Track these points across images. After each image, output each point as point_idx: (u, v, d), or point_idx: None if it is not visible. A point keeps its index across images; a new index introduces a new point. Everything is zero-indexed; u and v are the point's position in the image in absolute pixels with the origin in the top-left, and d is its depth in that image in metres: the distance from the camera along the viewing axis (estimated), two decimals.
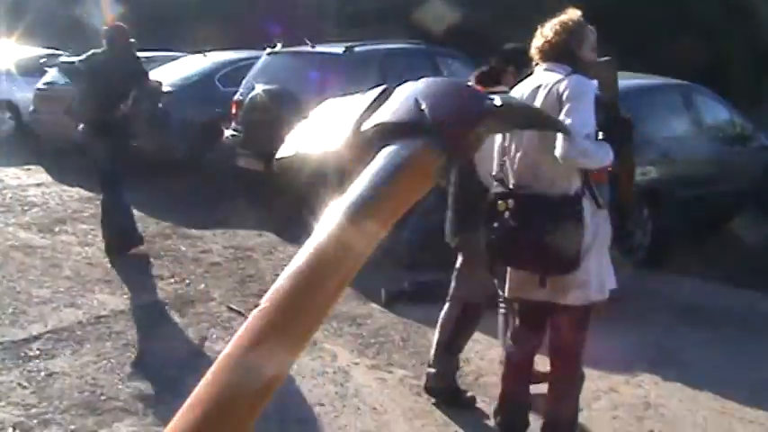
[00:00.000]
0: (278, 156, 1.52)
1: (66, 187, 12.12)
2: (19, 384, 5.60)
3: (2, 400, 5.36)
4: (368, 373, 5.95)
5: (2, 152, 14.74)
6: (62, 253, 8.85)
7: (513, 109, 1.44)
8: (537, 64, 4.50)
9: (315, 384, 5.70)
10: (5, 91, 17.26)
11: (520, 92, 4.40)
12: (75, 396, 5.44)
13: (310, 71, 11.27)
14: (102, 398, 5.45)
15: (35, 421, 5.08)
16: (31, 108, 15.72)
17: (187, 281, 7.97)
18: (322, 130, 1.43)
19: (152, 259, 8.67)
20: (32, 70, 17.37)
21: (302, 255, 1.16)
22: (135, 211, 9.60)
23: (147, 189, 10.75)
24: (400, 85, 1.37)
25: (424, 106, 1.26)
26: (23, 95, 16.62)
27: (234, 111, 11.58)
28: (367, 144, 1.30)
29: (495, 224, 4.32)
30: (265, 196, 10.66)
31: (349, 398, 5.52)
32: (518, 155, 4.34)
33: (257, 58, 12.18)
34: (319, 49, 11.66)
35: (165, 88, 11.13)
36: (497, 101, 1.33)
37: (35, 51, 19.15)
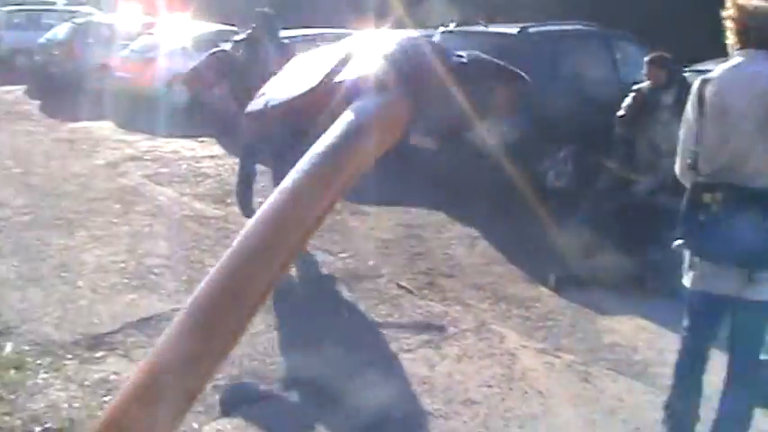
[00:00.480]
0: (248, 109, 1.56)
1: (238, 160, 12.47)
2: None
3: None
4: (535, 356, 5.97)
5: (177, 124, 15.32)
6: (234, 224, 9.17)
7: (479, 65, 1.44)
8: (738, 49, 4.28)
9: (482, 366, 5.76)
10: (181, 65, 17.87)
11: (718, 80, 4.23)
12: (244, 365, 5.65)
13: (484, 51, 11.29)
14: (272, 366, 5.66)
15: (209, 388, 5.31)
16: None
17: (357, 256, 8.13)
18: (292, 84, 1.45)
19: (323, 233, 8.88)
20: (208, 45, 17.96)
21: (269, 201, 1.17)
22: None
23: None
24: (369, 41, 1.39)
25: (391, 61, 1.28)
26: None
27: None
28: (336, 97, 1.32)
29: (701, 217, 4.19)
30: (437, 174, 10.77)
31: (515, 380, 5.55)
32: (719, 144, 4.19)
33: (431, 36, 12.25)
34: (493, 28, 11.63)
35: None
36: (464, 57, 1.34)
37: (210, 27, 19.82)
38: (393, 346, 6.03)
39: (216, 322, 1.11)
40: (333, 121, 1.28)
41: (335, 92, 1.31)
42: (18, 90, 22.43)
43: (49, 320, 6.36)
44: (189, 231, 8.90)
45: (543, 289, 7.30)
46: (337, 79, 1.33)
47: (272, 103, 1.48)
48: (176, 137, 14.33)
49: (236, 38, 9.81)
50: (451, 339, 6.19)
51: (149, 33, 19.77)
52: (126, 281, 7.26)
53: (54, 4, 32.20)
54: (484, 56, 1.51)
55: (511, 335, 6.31)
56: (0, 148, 13.70)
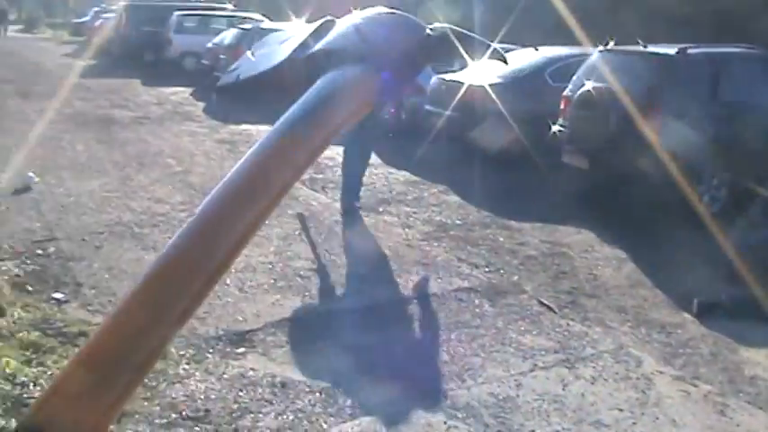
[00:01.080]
0: (219, 84, 1.64)
1: (392, 170, 12.77)
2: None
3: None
4: (672, 383, 5.93)
5: None
6: (383, 233, 9.40)
7: (449, 37, 1.49)
8: None
9: (616, 388, 5.76)
10: None
11: None
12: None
13: (641, 71, 11.22)
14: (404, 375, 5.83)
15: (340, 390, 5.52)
16: None
17: (501, 271, 8.23)
18: (263, 57, 1.54)
19: (469, 247, 9.00)
20: None
21: (242, 162, 1.23)
22: (458, 199, 10.16)
23: (473, 178, 11.11)
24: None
25: (363, 34, 1.34)
26: None
27: (563, 106, 11.73)
28: (307, 67, 1.39)
29: None
30: (588, 193, 10.77)
31: (649, 406, 5.54)
32: None
33: (588, 54, 12.23)
34: (651, 49, 11.54)
35: None
36: (434, 30, 1.39)
37: None
38: (528, 363, 6.10)
39: (167, 295, 1.19)
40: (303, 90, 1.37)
41: (309, 62, 1.42)
42: (185, 92, 23.39)
43: (196, 314, 6.68)
44: (338, 237, 9.18)
45: (686, 315, 7.23)
46: (312, 51, 1.43)
47: (242, 75, 1.60)
48: (334, 144, 14.61)
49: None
50: (588, 360, 6.21)
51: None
52: (272, 281, 7.55)
53: (224, 9, 33.32)
54: (457, 29, 1.56)
55: (648, 360, 6.28)
56: (163, 147, 14.37)
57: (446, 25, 1.56)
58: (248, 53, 1.60)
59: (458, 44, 1.63)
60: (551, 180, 11.65)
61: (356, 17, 1.46)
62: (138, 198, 10.49)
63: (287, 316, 6.76)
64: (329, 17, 1.56)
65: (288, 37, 1.58)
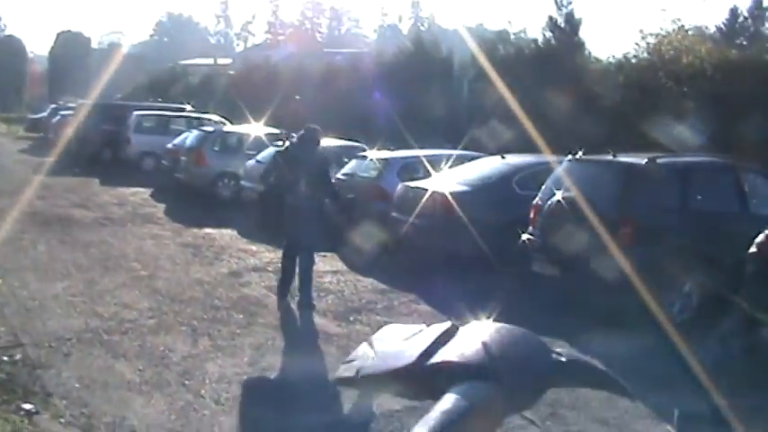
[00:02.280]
0: (338, 375, 1.64)
1: (360, 277, 12.72)
2: None
3: None
4: None
5: None
6: (356, 342, 9.22)
7: (579, 367, 1.47)
8: None
9: None
10: None
11: None
12: None
13: (611, 180, 11.37)
14: None
15: None
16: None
17: None
18: (385, 356, 1.52)
19: None
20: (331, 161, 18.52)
21: None
22: (429, 308, 10.15)
23: (442, 287, 11.08)
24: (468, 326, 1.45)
25: (491, 352, 1.33)
26: None
27: (532, 215, 11.80)
28: (431, 378, 1.38)
29: None
30: (559, 302, 10.78)
31: None
32: None
33: (556, 162, 12.37)
34: (621, 158, 11.70)
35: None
36: (564, 357, 1.38)
37: (336, 142, 20.38)
38: None
39: None
40: (423, 397, 1.37)
41: (432, 372, 1.39)
42: (144, 192, 23.32)
43: (173, 428, 6.57)
44: (311, 347, 9.08)
45: (668, 427, 7.19)
46: (435, 360, 1.41)
47: (363, 372, 1.57)
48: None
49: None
50: None
51: (276, 145, 20.39)
52: (248, 394, 7.43)
53: (183, 110, 33.45)
54: (583, 357, 1.54)
55: None
56: (127, 250, 14.26)
57: (572, 352, 1.53)
58: (366, 344, 1.57)
59: (595, 374, 1.59)
60: (520, 288, 11.66)
61: (484, 330, 1.44)
62: (104, 303, 10.36)
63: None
64: (451, 324, 1.54)
65: (409, 333, 1.56)
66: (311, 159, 10.86)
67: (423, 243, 13.54)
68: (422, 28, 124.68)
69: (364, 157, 17.18)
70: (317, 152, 11.20)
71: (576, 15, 25.91)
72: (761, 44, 25.90)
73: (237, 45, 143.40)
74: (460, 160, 15.52)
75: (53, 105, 48.11)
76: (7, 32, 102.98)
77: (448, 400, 1.33)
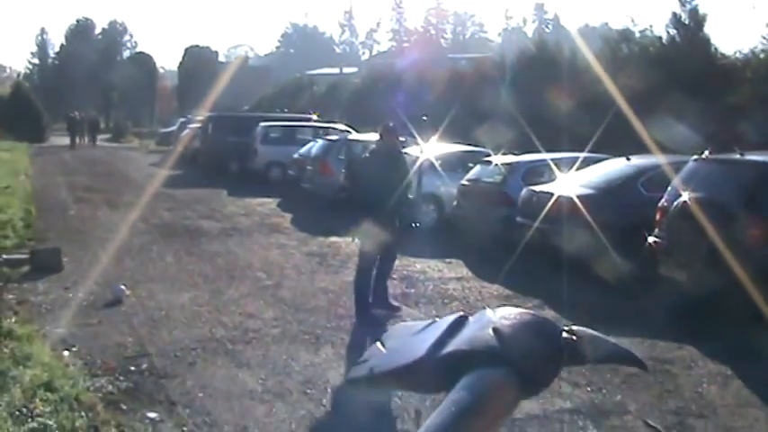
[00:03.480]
0: (350, 376, 1.59)
1: (485, 283, 12.66)
2: None
3: None
4: None
5: (425, 244, 15.71)
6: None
7: (591, 343, 1.41)
8: None
9: None
10: (430, 184, 18.47)
11: None
12: None
13: (739, 179, 11.05)
14: None
15: None
16: (455, 203, 16.73)
17: (603, 390, 8.02)
18: (396, 352, 1.47)
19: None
20: (456, 166, 18.56)
21: None
22: (554, 314, 10.13)
23: (567, 292, 10.95)
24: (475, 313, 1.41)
25: (502, 337, 1.28)
26: (447, 190, 17.75)
27: (658, 217, 11.57)
28: (443, 369, 1.33)
29: None
30: (687, 306, 10.53)
31: None
32: None
33: (683, 162, 12.08)
34: (749, 156, 11.37)
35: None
36: (574, 335, 1.32)
37: (459, 147, 20.44)
38: None
39: None
40: (436, 389, 1.35)
41: (444, 362, 1.38)
42: (271, 202, 23.69)
43: None
44: None
45: None
46: (446, 350, 1.39)
47: (375, 370, 1.56)
48: (424, 257, 14.67)
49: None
50: None
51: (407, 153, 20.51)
52: (368, 402, 7.44)
53: (309, 120, 33.88)
54: (594, 333, 1.52)
55: None
56: (253, 260, 14.49)
57: (584, 329, 1.51)
58: (378, 344, 1.57)
59: (611, 351, 1.58)
60: (648, 293, 11.43)
61: (493, 315, 1.43)
62: (229, 312, 10.55)
63: None
64: (462, 313, 1.54)
65: (419, 328, 1.56)
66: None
67: (549, 247, 13.41)
68: (546, 30, 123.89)
69: (489, 162, 17.12)
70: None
71: (701, 11, 25.33)
72: None
73: (363, 54, 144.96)
74: (586, 163, 15.33)
75: (182, 119, 49.32)
76: (138, 49, 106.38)
77: (460, 389, 1.32)
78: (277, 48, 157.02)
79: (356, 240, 11.16)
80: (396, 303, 11.03)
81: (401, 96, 29.18)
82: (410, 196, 11.25)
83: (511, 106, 26.16)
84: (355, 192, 10.88)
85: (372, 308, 10.63)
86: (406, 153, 10.71)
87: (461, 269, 13.94)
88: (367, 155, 11.11)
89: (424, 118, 17.52)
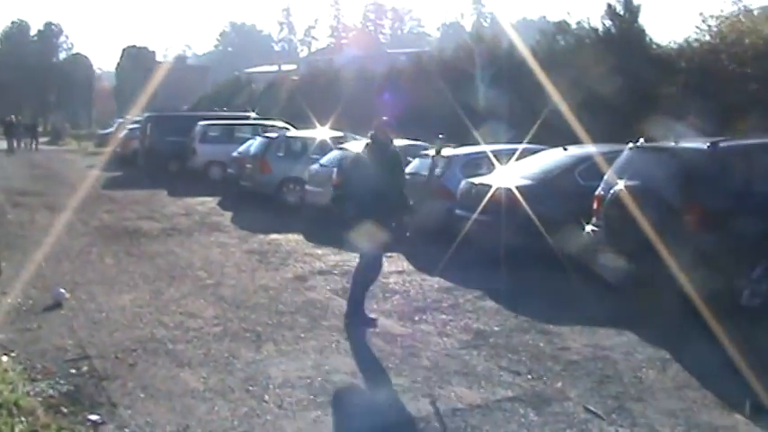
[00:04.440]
0: None
1: (426, 276, 12.70)
2: None
3: None
4: None
5: None
6: (420, 342, 9.28)
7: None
8: None
9: None
10: None
11: None
12: None
13: (675, 167, 11.17)
14: None
15: None
16: None
17: (544, 378, 8.07)
18: None
19: (509, 354, 8.87)
20: None
21: None
22: (495, 305, 10.14)
23: (507, 283, 11.03)
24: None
25: None
26: None
27: (595, 206, 11.67)
28: None
29: None
30: (626, 294, 10.65)
31: None
32: None
33: (619, 152, 12.20)
34: (683, 144, 11.51)
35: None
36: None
37: (398, 143, 20.41)
38: None
39: None
40: None
41: None
42: (211, 201, 23.58)
43: None
44: (376, 348, 9.08)
45: (738, 416, 7.04)
46: None
47: None
48: None
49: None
50: None
51: (340, 147, 20.48)
52: (312, 397, 7.44)
53: (248, 118, 33.76)
54: None
55: None
56: (193, 260, 14.40)
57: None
58: None
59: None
60: (586, 281, 11.54)
61: None
62: (169, 312, 10.47)
63: None
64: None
65: None
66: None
67: (488, 239, 13.45)
68: (484, 24, 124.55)
69: (427, 155, 17.14)
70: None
71: (635, 1, 25.59)
72: None
73: (301, 51, 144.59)
74: (524, 154, 15.41)
75: (119, 120, 48.89)
76: (74, 51, 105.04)
77: None
78: (215, 46, 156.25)
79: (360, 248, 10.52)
80: (373, 316, 10.37)
81: (388, 95, 28.95)
82: (410, 202, 10.72)
83: (449, 100, 26.28)
84: (349, 191, 10.32)
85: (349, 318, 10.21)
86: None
87: (402, 263, 13.95)
88: (360, 152, 10.58)
89: (441, 136, 17.29)
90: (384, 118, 10.51)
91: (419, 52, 46.23)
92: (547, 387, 7.86)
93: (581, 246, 11.78)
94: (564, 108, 19.49)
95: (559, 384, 7.92)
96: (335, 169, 11.35)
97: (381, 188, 9.90)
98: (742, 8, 22.61)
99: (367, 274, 10.39)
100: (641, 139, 11.89)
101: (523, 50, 26.93)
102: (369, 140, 10.36)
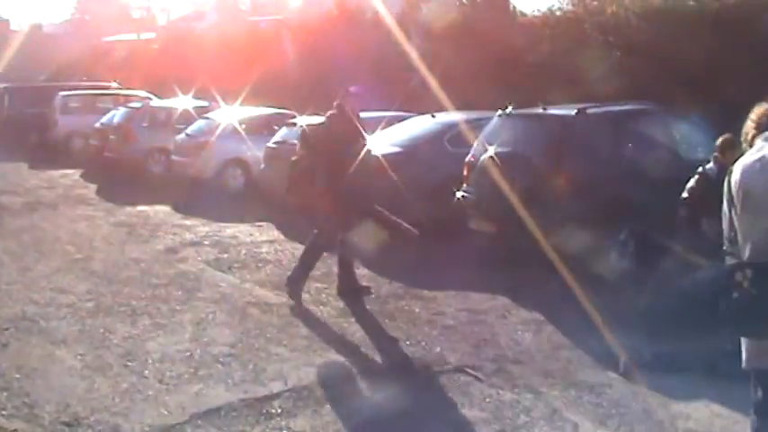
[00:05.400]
0: None
1: (297, 245, 12.60)
2: None
3: None
4: None
5: (235, 209, 15.63)
6: (297, 311, 9.25)
7: None
8: (755, 136, 4.52)
9: None
10: (236, 149, 18.34)
11: (743, 165, 4.41)
12: None
13: (543, 133, 11.37)
14: None
15: None
16: (262, 166, 16.61)
17: (422, 343, 8.16)
18: None
19: (386, 320, 8.93)
20: (262, 129, 18.43)
21: None
22: (368, 272, 10.12)
23: (380, 250, 11.05)
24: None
25: None
26: (253, 154, 17.61)
27: (466, 173, 11.78)
28: None
29: (735, 294, 4.32)
30: (498, 258, 10.80)
31: None
32: (749, 226, 4.34)
33: (488, 119, 12.34)
34: (551, 111, 11.72)
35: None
36: None
37: (263, 111, 20.31)
38: None
39: None
40: None
41: None
42: (74, 174, 23.01)
43: (118, 411, 6.47)
44: (253, 319, 9.01)
45: (613, 374, 7.25)
46: None
47: None
48: (235, 221, 14.59)
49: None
50: (524, 429, 6.18)
51: (205, 117, 20.19)
52: (192, 370, 7.35)
53: (109, 88, 32.97)
54: None
55: (584, 423, 6.27)
56: (60, 233, 14.04)
57: None
58: None
59: None
60: (459, 247, 11.67)
61: None
62: (40, 289, 10.16)
63: (212, 406, 6.55)
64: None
65: None
66: None
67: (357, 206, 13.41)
68: None
69: (294, 124, 17.00)
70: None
71: None
72: None
73: (160, 18, 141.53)
74: (392, 122, 15.40)
75: None
76: None
77: None
78: (72, 14, 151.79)
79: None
80: (366, 284, 10.21)
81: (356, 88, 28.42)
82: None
83: (312, 69, 26.12)
84: (318, 161, 9.69)
85: (344, 293, 9.88)
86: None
87: (273, 232, 13.89)
88: (323, 123, 10.02)
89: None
90: (352, 89, 10.00)
91: (281, 19, 45.76)
92: (426, 352, 7.94)
93: (452, 211, 11.87)
94: (430, 77, 19.55)
95: (438, 349, 8.01)
96: (300, 140, 10.55)
97: (346, 161, 9.47)
98: None
99: (323, 246, 10.09)
100: (510, 107, 12.03)
101: (387, 18, 26.90)
102: (334, 111, 9.79)
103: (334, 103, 9.85)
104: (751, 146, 4.54)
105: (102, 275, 10.88)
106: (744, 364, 4.52)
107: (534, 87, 16.62)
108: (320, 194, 9.56)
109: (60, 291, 10.08)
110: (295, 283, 9.88)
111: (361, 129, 9.83)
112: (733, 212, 4.47)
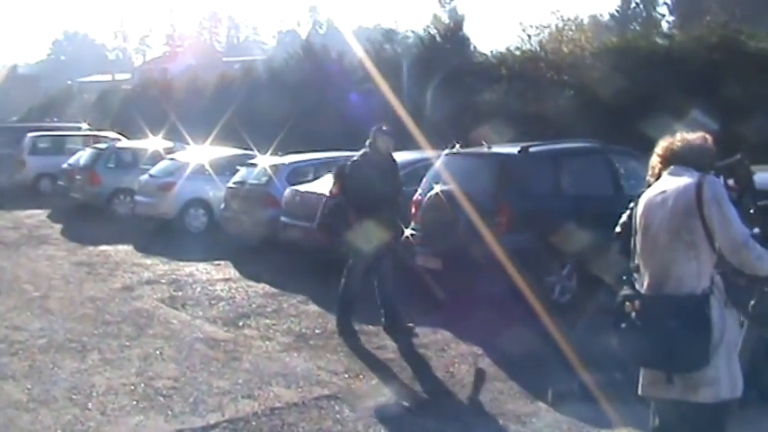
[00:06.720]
0: None
1: (252, 283, 12.93)
2: None
3: None
4: None
5: (195, 248, 15.90)
6: (243, 347, 9.51)
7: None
8: (660, 170, 4.81)
9: None
10: (200, 189, 18.62)
11: (647, 197, 4.72)
12: None
13: (487, 172, 11.72)
14: None
15: None
16: (222, 205, 16.90)
17: (361, 376, 8.43)
18: None
19: (328, 354, 9.20)
20: (226, 169, 18.71)
21: None
22: (318, 308, 10.44)
23: (332, 287, 11.30)
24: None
25: None
26: (216, 193, 17.91)
27: (413, 210, 12.08)
28: None
29: (623, 325, 4.62)
30: (444, 295, 11.08)
31: None
32: (650, 256, 4.64)
33: (436, 158, 12.66)
34: (495, 149, 12.08)
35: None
36: None
37: (228, 151, 20.61)
38: None
39: None
40: None
41: None
42: (41, 214, 23.18)
43: None
44: (199, 354, 9.25)
45: (541, 404, 7.53)
46: None
47: None
48: (194, 260, 14.86)
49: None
50: None
51: (171, 158, 20.47)
52: (134, 403, 7.59)
53: (79, 129, 33.17)
54: None
55: None
56: (20, 273, 14.22)
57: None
58: None
59: None
60: (405, 282, 11.91)
61: None
62: None
63: None
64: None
65: None
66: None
67: (313, 245, 13.70)
68: (320, 31, 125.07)
69: (254, 164, 17.31)
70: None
71: (460, 11, 26.49)
72: (647, 28, 26.69)
73: (136, 60, 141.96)
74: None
75: None
76: None
77: None
78: (48, 55, 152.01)
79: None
80: (411, 324, 10.21)
81: (354, 96, 28.49)
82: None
83: (279, 108, 26.50)
84: (350, 198, 10.03)
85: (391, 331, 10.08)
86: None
87: (229, 270, 14.16)
88: (356, 159, 10.23)
89: None
90: (384, 127, 10.31)
91: (251, 60, 46.26)
92: (363, 384, 8.22)
93: (402, 248, 12.14)
94: (387, 116, 19.92)
95: (374, 382, 8.28)
96: (332, 178, 10.65)
97: (382, 198, 9.87)
98: (561, 17, 23.59)
99: (350, 279, 10.30)
100: (457, 145, 12.36)
101: (362, 57, 27.43)
102: (366, 149, 10.18)
103: (367, 142, 10.21)
104: (657, 179, 4.85)
105: (58, 313, 11.10)
106: (639, 391, 4.82)
107: (490, 126, 16.98)
108: (351, 231, 9.91)
109: (15, 328, 10.29)
110: (394, 325, 10.12)
111: (394, 167, 10.28)
112: (636, 243, 4.77)
